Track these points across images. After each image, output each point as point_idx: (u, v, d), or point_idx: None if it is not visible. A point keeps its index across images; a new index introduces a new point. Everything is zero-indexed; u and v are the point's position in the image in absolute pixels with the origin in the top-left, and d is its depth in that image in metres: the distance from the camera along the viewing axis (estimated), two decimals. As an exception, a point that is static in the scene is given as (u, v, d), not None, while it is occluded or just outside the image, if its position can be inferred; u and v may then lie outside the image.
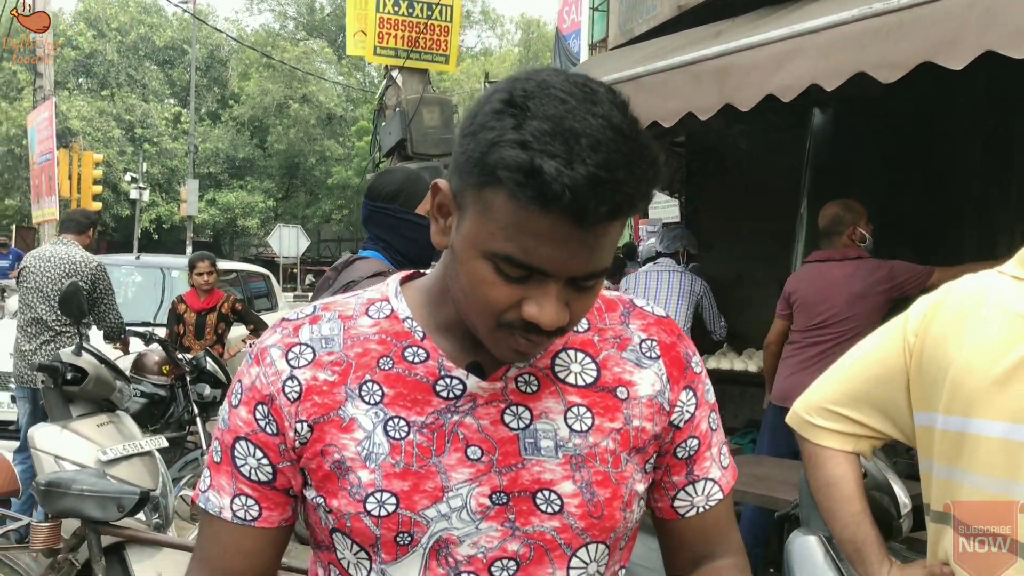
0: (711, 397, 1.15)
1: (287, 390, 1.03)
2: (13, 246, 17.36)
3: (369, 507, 1.00)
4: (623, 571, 1.13)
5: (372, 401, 1.02)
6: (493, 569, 1.01)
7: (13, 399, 5.64)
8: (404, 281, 1.12)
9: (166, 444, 3.98)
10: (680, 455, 1.12)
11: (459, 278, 0.96)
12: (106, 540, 3.03)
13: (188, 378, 5.33)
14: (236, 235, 36.51)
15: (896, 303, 4.00)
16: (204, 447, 5.01)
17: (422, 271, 1.15)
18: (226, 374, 5.55)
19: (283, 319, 1.10)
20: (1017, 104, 4.50)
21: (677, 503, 1.15)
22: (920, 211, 5.02)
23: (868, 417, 1.61)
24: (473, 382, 1.03)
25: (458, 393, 1.03)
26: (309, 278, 32.30)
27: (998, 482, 1.37)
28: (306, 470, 1.04)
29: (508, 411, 1.03)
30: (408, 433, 1.01)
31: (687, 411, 1.11)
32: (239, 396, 1.06)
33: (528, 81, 0.90)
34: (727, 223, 6.00)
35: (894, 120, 4.91)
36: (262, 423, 1.04)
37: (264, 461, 1.05)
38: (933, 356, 1.48)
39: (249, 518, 1.06)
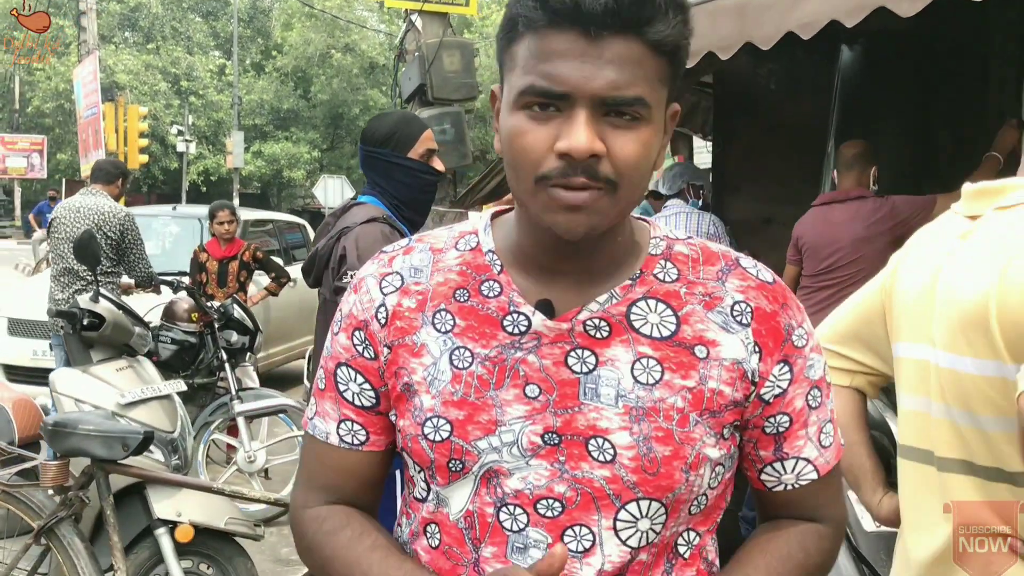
0: (815, 373, 1.08)
1: (379, 316, 1.08)
2: (63, 199, 17.72)
3: (426, 431, 1.03)
4: (696, 535, 1.08)
5: (443, 329, 1.05)
6: (538, 506, 1.01)
7: (51, 347, 5.79)
8: (497, 216, 1.13)
9: (184, 388, 4.06)
10: (768, 431, 1.08)
11: (504, 153, 0.99)
12: (124, 480, 3.12)
13: (216, 325, 5.41)
14: (282, 186, 36.79)
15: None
16: (233, 392, 5.10)
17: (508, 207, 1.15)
18: (253, 321, 5.63)
19: (382, 251, 1.15)
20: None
21: (764, 477, 1.12)
22: (952, 148, 4.87)
23: (859, 353, 1.69)
24: (539, 320, 1.02)
25: (523, 329, 1.03)
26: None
27: (918, 399, 1.47)
28: (387, 387, 1.08)
29: (573, 354, 1.02)
30: (471, 364, 1.03)
31: (778, 386, 1.05)
32: (339, 324, 1.12)
33: None
34: (755, 164, 5.87)
35: (925, 55, 4.74)
36: (360, 348, 1.09)
37: (366, 386, 1.09)
38: (897, 292, 1.56)
39: (356, 443, 1.11)
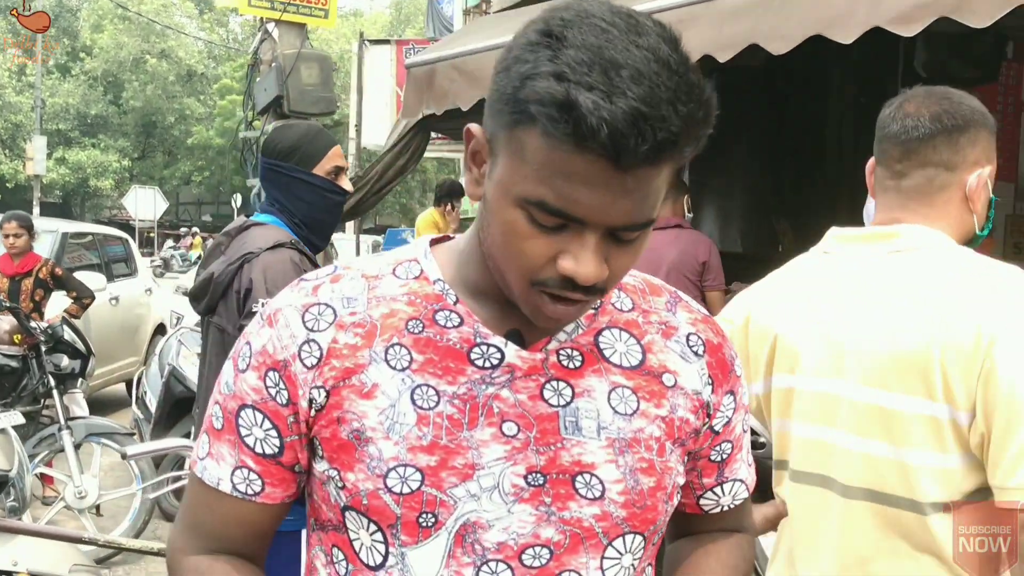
0: (746, 399, 1.12)
1: (303, 355, 0.96)
2: None
3: (390, 483, 0.92)
4: (650, 567, 1.06)
5: (399, 366, 0.95)
6: (524, 557, 0.94)
7: None
8: (434, 243, 1.05)
9: (22, 420, 3.67)
10: (714, 459, 1.09)
11: (491, 230, 0.90)
12: (-46, 527, 2.77)
13: (43, 348, 4.98)
14: (88, 196, 34.77)
15: None
16: (62, 421, 4.69)
17: (451, 236, 1.06)
18: (86, 344, 5.21)
19: (301, 278, 1.02)
20: (888, 75, 4.65)
21: (703, 502, 1.12)
22: (797, 185, 5.17)
23: None
24: (512, 351, 0.96)
25: (495, 362, 0.95)
26: (168, 243, 31.00)
27: (817, 428, 1.50)
28: (318, 439, 0.96)
29: (548, 386, 0.96)
30: (438, 403, 0.94)
31: (726, 416, 1.07)
32: (247, 360, 0.99)
33: (567, 10, 0.84)
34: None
35: (776, 92, 5.01)
36: (272, 391, 0.97)
37: (272, 433, 0.98)
38: (770, 329, 1.66)
39: (250, 492, 1.00)
